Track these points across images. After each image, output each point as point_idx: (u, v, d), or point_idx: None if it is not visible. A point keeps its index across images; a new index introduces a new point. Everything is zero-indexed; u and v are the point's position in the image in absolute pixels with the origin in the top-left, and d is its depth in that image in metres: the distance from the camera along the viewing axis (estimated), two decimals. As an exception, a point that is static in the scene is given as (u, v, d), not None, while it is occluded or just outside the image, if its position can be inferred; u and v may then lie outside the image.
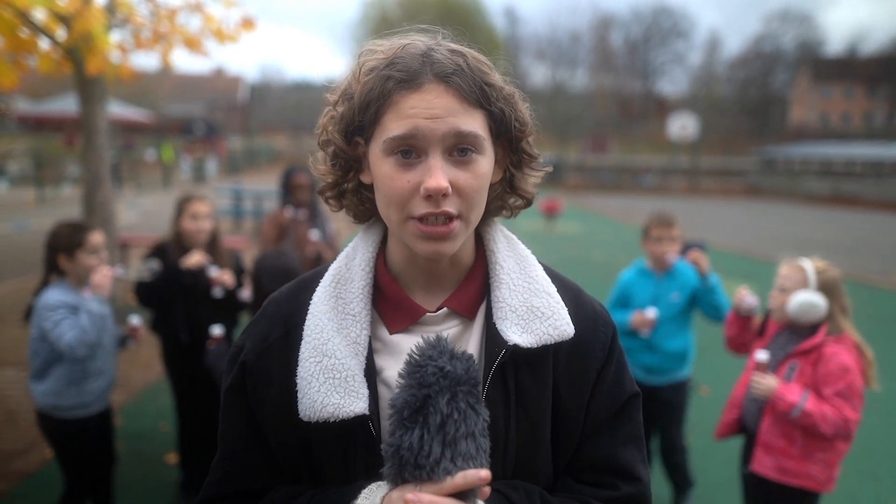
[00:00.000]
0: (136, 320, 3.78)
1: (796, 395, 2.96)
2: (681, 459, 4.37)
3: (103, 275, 3.45)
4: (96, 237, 3.52)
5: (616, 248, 15.46)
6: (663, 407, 4.25)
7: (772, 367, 3.19)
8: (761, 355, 3.11)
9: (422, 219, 1.13)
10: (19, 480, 4.43)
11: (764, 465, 3.12)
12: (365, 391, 1.18)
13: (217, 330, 3.79)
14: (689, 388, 4.35)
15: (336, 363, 1.18)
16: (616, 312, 4.28)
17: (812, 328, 3.12)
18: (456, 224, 1.14)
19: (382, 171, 1.15)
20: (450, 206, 1.12)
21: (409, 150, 1.12)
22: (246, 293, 4.13)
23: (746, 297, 3.56)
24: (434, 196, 1.10)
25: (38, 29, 6.13)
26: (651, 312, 4.06)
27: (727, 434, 3.43)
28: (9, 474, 4.49)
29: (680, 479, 4.38)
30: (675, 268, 4.21)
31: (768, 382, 3.03)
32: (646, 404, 4.27)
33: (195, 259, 4.07)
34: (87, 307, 3.37)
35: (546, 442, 1.26)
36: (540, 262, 1.34)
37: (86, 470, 3.66)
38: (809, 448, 3.01)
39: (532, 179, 1.31)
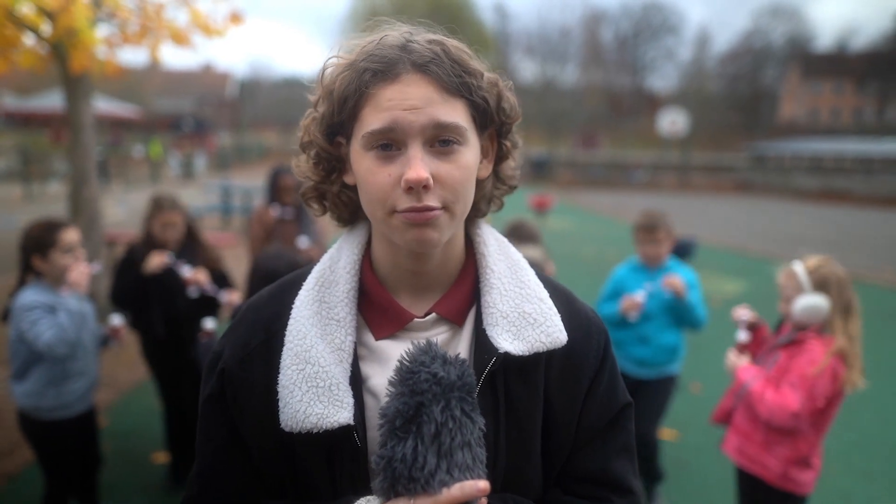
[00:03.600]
0: (117, 320, 3.72)
1: (748, 375, 3.13)
2: (651, 453, 4.37)
3: (80, 272, 3.37)
4: (70, 235, 3.42)
5: (607, 245, 15.45)
6: (644, 399, 4.25)
7: (761, 357, 3.29)
8: (741, 336, 3.32)
9: (405, 213, 1.08)
10: (4, 481, 4.38)
11: (730, 444, 3.27)
12: (350, 400, 1.13)
13: (210, 324, 3.76)
14: (675, 384, 4.36)
15: (319, 371, 1.13)
16: (606, 305, 4.34)
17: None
18: (438, 213, 1.09)
19: (363, 166, 1.11)
20: (432, 200, 1.08)
21: (389, 144, 1.08)
22: (225, 296, 4.09)
23: (743, 315, 3.52)
24: (415, 188, 1.05)
25: (22, 24, 6.05)
26: (640, 295, 4.08)
27: (722, 420, 3.45)
28: (-7, 475, 4.43)
29: (650, 475, 4.39)
30: (667, 263, 4.26)
31: (737, 361, 3.22)
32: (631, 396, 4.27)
33: (155, 262, 4.03)
34: (66, 305, 3.32)
35: (537, 453, 1.22)
36: (531, 267, 1.30)
37: (67, 471, 3.61)
38: (769, 439, 3.09)
39: (511, 162, 1.28)
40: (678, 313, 4.15)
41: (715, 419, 3.49)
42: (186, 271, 4.05)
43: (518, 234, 4.31)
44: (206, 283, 4.11)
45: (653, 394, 4.25)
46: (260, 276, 3.49)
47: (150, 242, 4.21)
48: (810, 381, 2.94)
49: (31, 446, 3.59)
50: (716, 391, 4.48)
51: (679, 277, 4.10)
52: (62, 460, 3.57)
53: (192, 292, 4.09)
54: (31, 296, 3.33)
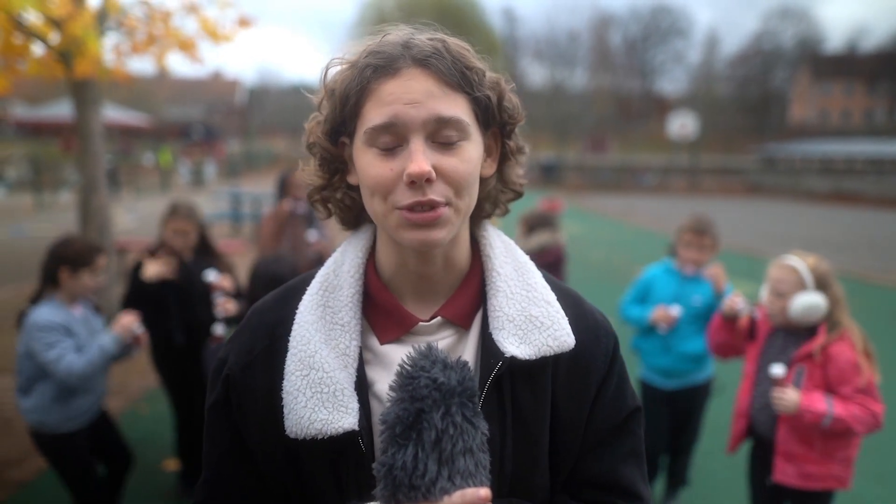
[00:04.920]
0: (136, 328, 3.73)
1: (822, 404, 2.87)
2: (686, 462, 4.36)
3: (130, 324, 3.48)
4: (103, 260, 3.53)
5: (616, 248, 15.41)
6: (681, 412, 4.21)
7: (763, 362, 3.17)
8: (777, 370, 2.95)
9: (408, 209, 1.07)
10: (15, 490, 4.38)
11: (786, 473, 3.05)
12: (355, 405, 1.12)
13: (219, 329, 3.75)
14: (710, 389, 4.28)
15: (324, 376, 1.12)
16: (635, 307, 4.25)
17: (809, 327, 3.06)
18: (444, 210, 1.08)
19: (364, 161, 1.11)
20: (436, 194, 1.07)
21: (391, 141, 1.08)
22: (211, 275, 4.03)
23: (739, 302, 3.49)
24: (418, 182, 1.05)
25: (30, 33, 6.09)
26: (675, 310, 4.00)
27: (739, 444, 3.35)
28: (4, 483, 4.44)
29: (676, 480, 4.38)
30: (703, 273, 4.14)
31: (791, 397, 2.91)
32: (665, 409, 4.16)
33: (152, 271, 4.00)
34: (103, 343, 3.36)
35: (544, 458, 1.20)
36: (539, 270, 1.28)
37: (87, 480, 3.61)
38: (829, 449, 2.97)
39: (518, 169, 1.27)
40: (707, 321, 3.97)
41: (731, 449, 3.37)
42: (212, 275, 4.01)
43: (548, 221, 4.43)
44: (233, 287, 4.10)
45: (687, 407, 4.20)
46: (262, 281, 3.50)
47: (164, 249, 4.19)
48: (871, 380, 2.91)
49: (46, 459, 3.61)
50: (724, 396, 4.44)
51: (722, 270, 4.04)
52: (78, 469, 3.58)
53: (219, 297, 4.06)
54: (46, 314, 3.33)
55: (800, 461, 3.00)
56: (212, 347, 3.74)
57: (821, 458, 2.97)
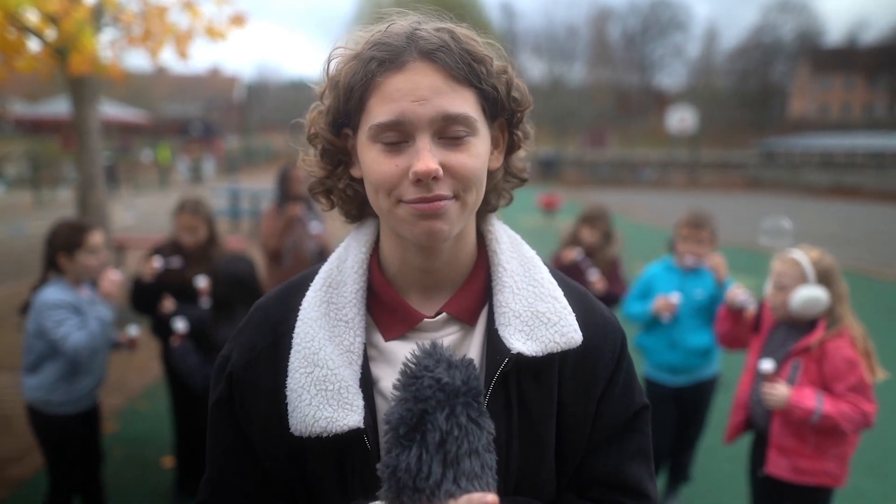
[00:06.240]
0: (133, 331, 3.72)
1: (812, 400, 2.87)
2: (689, 458, 4.35)
3: (111, 281, 3.50)
4: (95, 237, 3.52)
5: (616, 243, 15.34)
6: (687, 408, 4.21)
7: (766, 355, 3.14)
8: (766, 365, 2.98)
9: (412, 203, 1.05)
10: (15, 487, 4.38)
11: (778, 466, 3.04)
12: (360, 403, 1.10)
13: (180, 325, 3.67)
14: (716, 385, 4.28)
15: (328, 374, 1.10)
16: (636, 303, 4.24)
17: (811, 322, 3.04)
18: (448, 202, 1.05)
19: (369, 157, 1.08)
20: (443, 190, 1.04)
21: (397, 137, 1.05)
22: (202, 282, 3.97)
23: (739, 294, 3.50)
24: (424, 180, 1.02)
25: (27, 29, 6.06)
26: (675, 297, 3.98)
27: (737, 436, 3.35)
28: (4, 481, 4.44)
29: (678, 475, 4.37)
30: (702, 267, 4.12)
31: (780, 392, 2.92)
32: (670, 407, 4.15)
33: (146, 270, 4.05)
34: (98, 313, 3.41)
35: (550, 456, 1.18)
36: (546, 265, 1.26)
37: (71, 468, 3.63)
38: (822, 445, 2.95)
39: (522, 154, 1.24)
40: (711, 314, 3.99)
41: (729, 438, 3.37)
42: (201, 281, 3.97)
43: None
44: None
45: (692, 403, 4.20)
46: (223, 280, 3.50)
47: (174, 245, 4.19)
48: (865, 379, 2.88)
49: (39, 441, 3.62)
50: (728, 392, 4.43)
51: (723, 260, 4.03)
52: (67, 456, 3.60)
53: (204, 303, 4.01)
54: (54, 294, 3.39)
55: (793, 455, 3.00)
56: (174, 346, 3.67)
57: (814, 454, 2.96)
